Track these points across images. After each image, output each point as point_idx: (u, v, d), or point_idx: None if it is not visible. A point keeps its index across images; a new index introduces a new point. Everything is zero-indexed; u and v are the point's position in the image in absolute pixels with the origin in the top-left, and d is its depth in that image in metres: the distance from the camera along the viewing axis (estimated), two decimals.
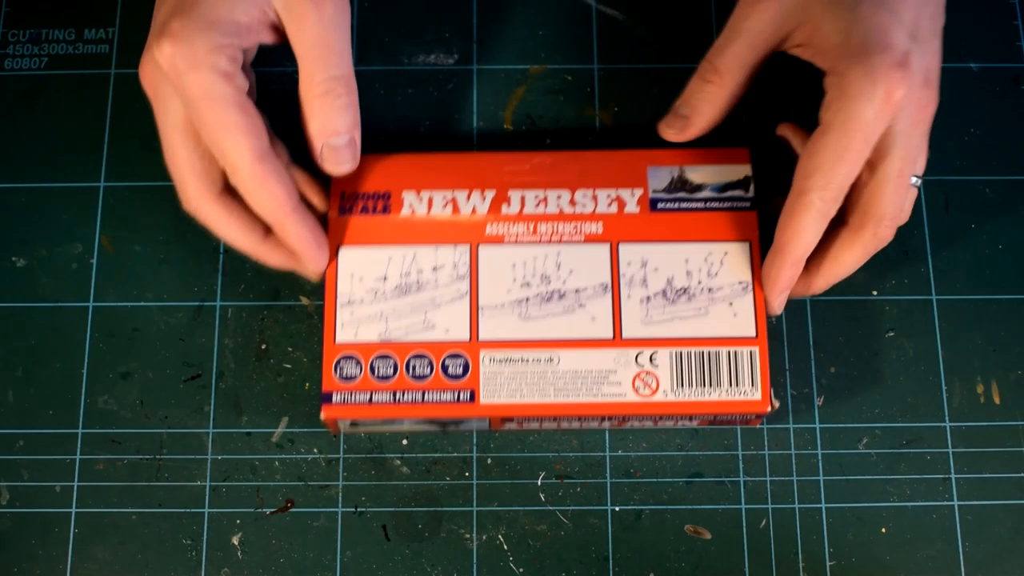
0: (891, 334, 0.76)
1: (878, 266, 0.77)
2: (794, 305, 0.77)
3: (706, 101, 0.73)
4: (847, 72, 0.66)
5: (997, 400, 0.75)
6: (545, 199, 0.74)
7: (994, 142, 0.75)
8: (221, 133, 0.66)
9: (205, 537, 0.73)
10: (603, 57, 0.81)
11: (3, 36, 0.81)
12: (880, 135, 0.67)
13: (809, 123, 0.74)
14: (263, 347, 0.76)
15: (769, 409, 0.70)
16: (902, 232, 0.77)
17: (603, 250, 0.73)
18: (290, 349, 0.76)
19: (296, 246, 0.70)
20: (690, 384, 0.70)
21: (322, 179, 0.73)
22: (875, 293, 0.77)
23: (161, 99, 0.68)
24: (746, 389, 0.70)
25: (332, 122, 0.70)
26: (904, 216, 0.71)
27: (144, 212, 0.78)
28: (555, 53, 0.81)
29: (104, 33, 0.82)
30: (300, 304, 0.77)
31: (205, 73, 0.65)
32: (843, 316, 0.77)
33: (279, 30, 0.70)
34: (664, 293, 0.72)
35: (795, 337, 0.76)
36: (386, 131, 0.80)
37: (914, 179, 0.70)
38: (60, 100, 0.80)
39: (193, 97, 0.66)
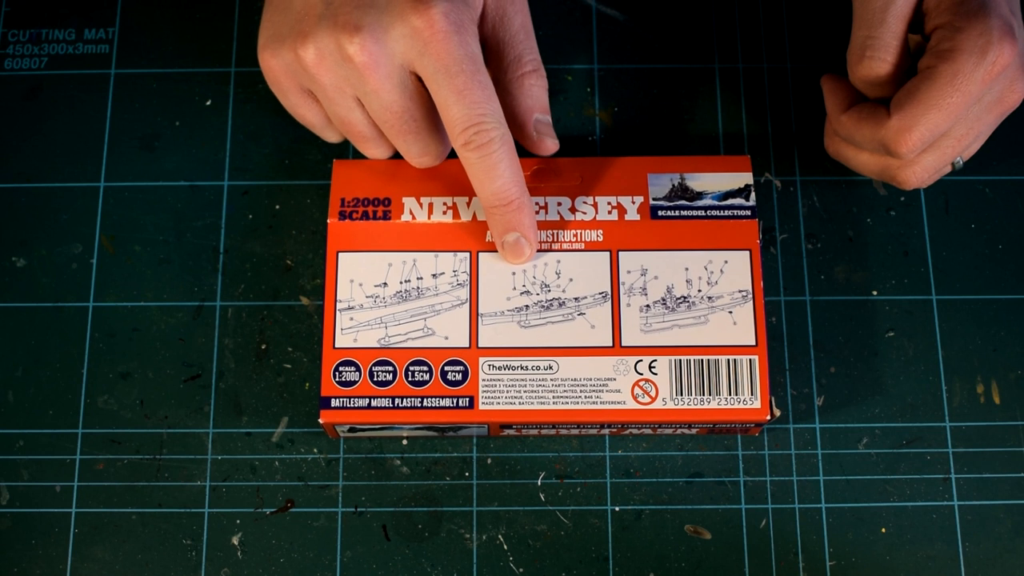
0: (891, 334, 0.76)
1: (878, 266, 0.77)
2: (794, 305, 0.77)
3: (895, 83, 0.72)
4: (964, 27, 0.68)
5: (997, 400, 0.75)
6: (545, 206, 0.74)
7: (994, 142, 0.75)
8: (477, 91, 0.68)
9: (205, 537, 0.73)
10: (603, 57, 0.81)
11: (3, 36, 0.81)
12: (977, 96, 0.68)
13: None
14: (263, 347, 0.76)
15: (769, 418, 0.70)
16: (902, 232, 0.77)
17: (603, 258, 0.73)
18: (290, 349, 0.76)
19: (522, 231, 0.72)
20: (689, 392, 0.70)
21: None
22: (875, 293, 0.77)
23: (358, 64, 0.68)
24: (745, 398, 0.70)
25: (542, 97, 0.73)
26: (924, 183, 0.73)
27: (144, 212, 0.78)
28: (555, 53, 0.81)
29: (104, 33, 0.81)
30: (300, 304, 0.77)
31: (471, 38, 0.68)
32: (843, 316, 0.77)
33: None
34: (664, 301, 0.72)
35: (795, 337, 0.76)
36: None
37: (958, 160, 0.72)
38: (60, 100, 0.80)
39: (460, 58, 0.67)
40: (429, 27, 0.66)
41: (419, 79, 0.69)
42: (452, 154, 0.77)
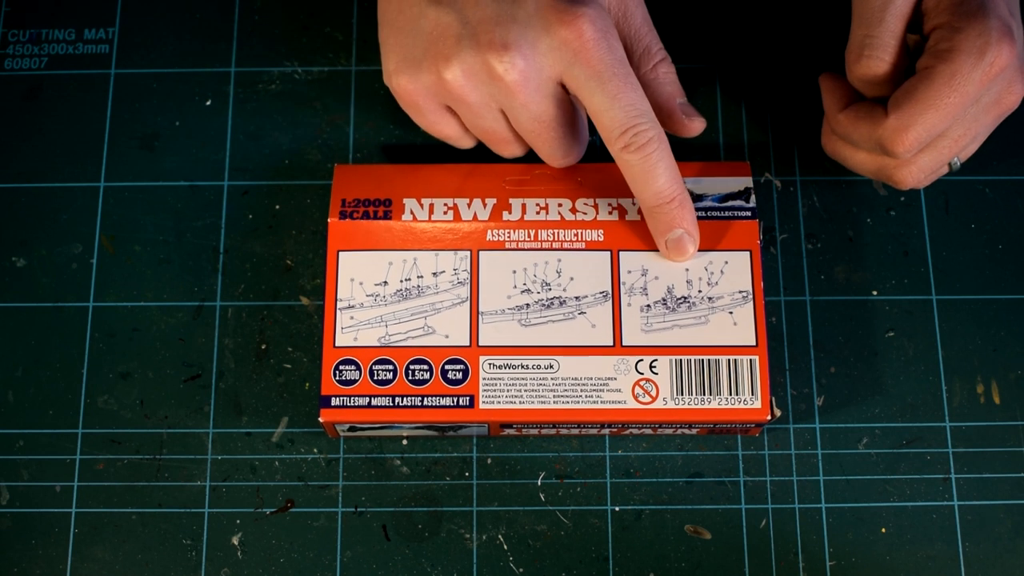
0: (891, 334, 0.76)
1: (878, 266, 0.77)
2: (794, 305, 0.77)
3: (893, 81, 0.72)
4: (963, 28, 0.68)
5: (997, 400, 0.75)
6: (546, 207, 0.74)
7: (994, 142, 0.75)
8: (631, 94, 0.68)
9: (205, 537, 0.73)
10: None
11: (3, 36, 0.81)
12: (975, 97, 0.68)
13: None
14: (263, 347, 0.76)
15: (769, 418, 0.70)
16: (902, 232, 0.77)
17: (604, 257, 0.73)
18: (290, 349, 0.76)
19: (684, 227, 0.72)
20: (690, 392, 0.70)
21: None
22: (875, 293, 0.77)
23: (508, 76, 0.68)
24: (746, 398, 0.70)
25: (677, 83, 0.75)
26: (921, 183, 0.73)
27: (144, 212, 0.78)
28: None
29: (104, 33, 0.81)
30: (300, 304, 0.77)
31: (616, 41, 0.68)
32: (843, 316, 0.77)
33: None
34: (664, 301, 0.72)
35: (795, 337, 0.76)
36: (387, 130, 0.79)
37: (955, 160, 0.72)
38: (60, 100, 0.80)
39: (611, 63, 0.67)
40: (578, 37, 0.67)
41: (563, 86, 0.69)
42: (450, 157, 0.77)
